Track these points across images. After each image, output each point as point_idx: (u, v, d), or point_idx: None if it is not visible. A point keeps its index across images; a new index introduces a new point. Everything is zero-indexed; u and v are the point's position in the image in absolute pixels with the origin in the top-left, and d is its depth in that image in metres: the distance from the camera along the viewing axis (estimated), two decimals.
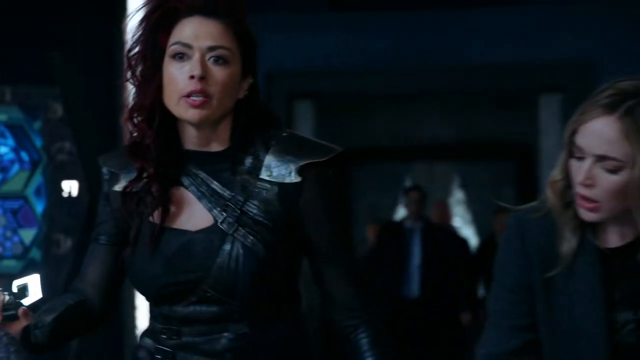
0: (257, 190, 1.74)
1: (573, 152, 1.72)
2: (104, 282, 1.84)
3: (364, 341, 1.78)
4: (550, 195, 1.78)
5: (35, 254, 3.48)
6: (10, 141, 3.50)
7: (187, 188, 1.76)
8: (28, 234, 3.50)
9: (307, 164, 1.74)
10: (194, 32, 1.71)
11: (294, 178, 1.73)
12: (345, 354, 1.81)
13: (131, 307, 4.09)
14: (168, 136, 1.76)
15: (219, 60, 1.71)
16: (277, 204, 1.74)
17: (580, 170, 1.70)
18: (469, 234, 8.69)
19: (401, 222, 6.58)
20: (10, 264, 3.48)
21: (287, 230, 1.74)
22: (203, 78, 1.68)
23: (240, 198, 1.73)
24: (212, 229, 1.73)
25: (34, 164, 3.51)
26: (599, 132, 1.68)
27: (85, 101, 3.57)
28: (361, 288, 1.81)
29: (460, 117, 7.98)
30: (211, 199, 1.74)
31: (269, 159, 1.75)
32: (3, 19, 3.93)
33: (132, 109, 1.76)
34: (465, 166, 8.93)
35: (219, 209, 1.73)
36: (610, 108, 1.67)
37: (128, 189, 1.77)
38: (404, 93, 6.30)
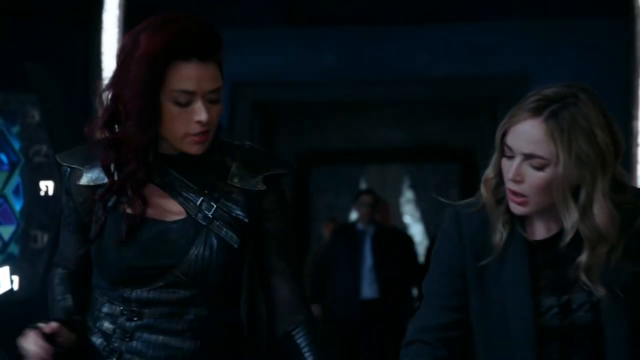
0: (227, 191, 1.77)
1: (504, 151, 1.75)
2: (80, 259, 1.83)
3: (303, 338, 1.80)
4: (484, 191, 1.81)
5: (14, 249, 3.47)
6: None
7: (159, 184, 1.77)
8: (7, 230, 3.49)
9: (271, 174, 1.79)
10: (195, 78, 1.67)
11: (259, 186, 1.78)
12: (285, 350, 1.82)
13: None
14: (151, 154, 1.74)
15: (216, 100, 1.71)
16: (244, 205, 1.77)
17: (510, 167, 1.73)
18: (418, 229, 8.75)
19: (354, 224, 6.32)
20: None
21: (251, 228, 1.78)
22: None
23: (215, 194, 1.76)
24: (187, 220, 1.74)
25: (12, 165, 3.51)
26: (526, 133, 1.70)
27: (61, 107, 3.57)
28: (303, 289, 1.85)
29: (410, 124, 8.04)
30: (184, 194, 1.76)
31: (236, 167, 1.78)
32: None
33: (130, 145, 1.70)
34: (414, 168, 8.99)
35: (192, 203, 1.75)
36: (536, 111, 1.69)
37: (103, 186, 1.75)
38: (357, 101, 6.33)
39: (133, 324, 1.75)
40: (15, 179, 3.45)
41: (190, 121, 1.69)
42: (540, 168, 1.70)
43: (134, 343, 1.75)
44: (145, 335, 1.74)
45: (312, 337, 1.80)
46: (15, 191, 3.46)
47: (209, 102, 1.70)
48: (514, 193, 1.73)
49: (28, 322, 3.85)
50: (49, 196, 3.44)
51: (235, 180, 1.78)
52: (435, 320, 1.83)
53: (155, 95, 1.68)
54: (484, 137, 5.78)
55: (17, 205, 3.45)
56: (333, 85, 5.53)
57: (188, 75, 1.67)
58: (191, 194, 1.76)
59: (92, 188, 1.77)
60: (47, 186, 3.46)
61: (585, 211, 1.71)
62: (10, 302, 3.42)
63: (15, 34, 4.50)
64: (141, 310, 1.74)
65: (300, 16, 5.44)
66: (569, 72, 4.76)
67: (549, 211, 1.77)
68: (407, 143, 8.28)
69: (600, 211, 1.70)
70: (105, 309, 1.78)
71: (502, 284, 1.79)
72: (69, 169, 1.80)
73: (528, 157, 1.70)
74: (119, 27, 4.87)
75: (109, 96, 1.73)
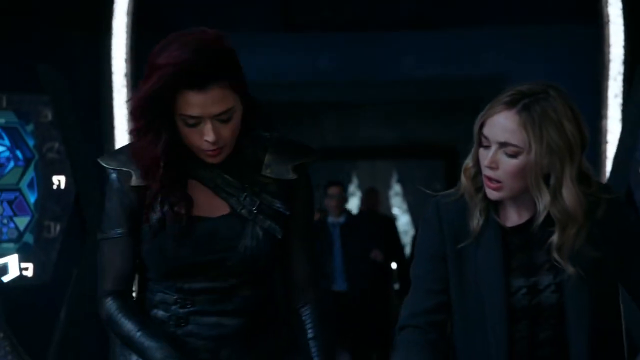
0: (264, 183, 1.77)
1: (481, 142, 1.78)
2: (131, 270, 1.78)
3: (308, 316, 1.82)
4: (463, 179, 1.83)
5: (29, 238, 3.48)
6: (7, 141, 3.50)
7: (201, 181, 1.76)
8: (22, 221, 3.49)
9: (300, 163, 1.79)
10: (199, 105, 1.65)
11: (291, 175, 1.78)
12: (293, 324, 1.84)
13: None
14: (180, 150, 1.72)
15: (226, 120, 1.68)
16: (280, 196, 1.77)
17: (486, 156, 1.76)
18: (405, 220, 8.75)
19: (325, 218, 5.82)
20: (7, 246, 3.47)
21: (289, 218, 1.79)
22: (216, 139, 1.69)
23: (256, 189, 1.76)
24: (232, 215, 1.74)
25: (27, 161, 3.51)
26: (502, 123, 1.74)
27: (72, 107, 3.57)
28: (316, 271, 1.86)
29: (398, 122, 8.06)
30: (226, 189, 1.75)
31: (269, 158, 1.78)
32: None
33: (145, 157, 1.70)
34: (402, 164, 9.00)
35: (235, 198, 1.75)
36: (510, 104, 1.73)
37: (151, 188, 1.73)
38: (349, 101, 6.34)
39: (186, 310, 1.75)
40: (30, 174, 3.46)
41: (201, 139, 1.68)
42: (513, 155, 1.73)
43: (189, 327, 1.75)
44: (198, 318, 1.75)
45: (316, 316, 1.82)
46: (30, 185, 3.47)
47: (220, 122, 1.67)
48: (490, 179, 1.76)
49: (40, 306, 3.85)
50: (61, 189, 3.45)
51: (269, 171, 1.77)
52: (423, 304, 1.84)
53: (161, 114, 1.66)
54: (466, 135, 5.78)
55: (32, 198, 3.46)
56: (326, 86, 5.54)
57: (192, 103, 1.65)
58: (233, 189, 1.75)
59: (142, 188, 1.74)
60: (59, 180, 3.47)
61: (556, 195, 1.74)
62: (20, 287, 3.44)
63: (30, 39, 4.50)
64: (194, 298, 1.75)
65: (295, 22, 5.45)
66: (543, 74, 4.72)
67: (520, 199, 1.80)
68: (395, 140, 8.29)
69: (568, 194, 1.74)
70: (158, 298, 1.77)
71: (477, 267, 1.81)
72: (114, 172, 1.76)
73: (503, 145, 1.74)
74: (127, 32, 4.87)
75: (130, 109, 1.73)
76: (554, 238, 1.76)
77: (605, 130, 4.56)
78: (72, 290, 3.51)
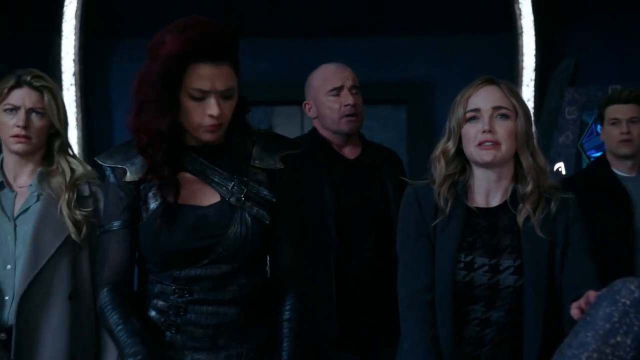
0: (252, 173, 1.73)
1: (467, 118, 1.83)
2: (128, 261, 1.73)
3: (289, 302, 1.77)
4: (442, 161, 1.87)
5: None
6: None
7: (191, 172, 1.72)
8: None
9: (287, 154, 1.77)
10: (209, 79, 1.62)
11: (278, 165, 1.74)
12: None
13: None
14: (174, 140, 1.69)
15: (228, 97, 1.67)
16: (268, 184, 1.73)
17: (480, 124, 1.82)
18: None
19: None
20: None
21: (276, 204, 1.74)
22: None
23: (244, 178, 1.72)
24: (222, 204, 1.71)
25: None
26: (490, 92, 1.83)
27: None
28: (301, 257, 1.81)
29: None
30: (216, 180, 1.71)
31: (257, 150, 1.75)
32: None
33: (149, 134, 1.65)
34: None
35: (224, 187, 1.71)
36: (489, 82, 1.85)
37: (146, 179, 1.69)
38: (284, 102, 6.30)
39: (184, 299, 1.69)
40: None
41: (203, 114, 1.64)
42: (506, 117, 1.82)
43: (188, 315, 1.70)
44: (197, 307, 1.69)
45: (295, 303, 1.77)
46: None
47: (222, 98, 1.65)
48: (485, 142, 1.82)
49: None
50: None
51: (257, 162, 1.74)
52: (418, 283, 1.83)
53: (170, 88, 1.62)
54: (397, 135, 5.79)
55: None
56: (265, 88, 5.49)
57: (203, 75, 1.62)
58: (222, 179, 1.71)
59: (136, 183, 1.71)
60: None
61: (533, 155, 1.85)
62: None
63: None
64: (191, 287, 1.69)
65: (237, 29, 5.38)
66: (464, 79, 4.75)
67: (490, 184, 1.85)
68: None
69: (539, 156, 1.86)
70: (157, 289, 1.72)
71: (441, 240, 1.83)
72: (110, 169, 1.72)
73: (497, 109, 1.82)
74: (76, 34, 4.79)
75: (136, 85, 1.66)
76: (529, 188, 1.81)
77: None
78: None
